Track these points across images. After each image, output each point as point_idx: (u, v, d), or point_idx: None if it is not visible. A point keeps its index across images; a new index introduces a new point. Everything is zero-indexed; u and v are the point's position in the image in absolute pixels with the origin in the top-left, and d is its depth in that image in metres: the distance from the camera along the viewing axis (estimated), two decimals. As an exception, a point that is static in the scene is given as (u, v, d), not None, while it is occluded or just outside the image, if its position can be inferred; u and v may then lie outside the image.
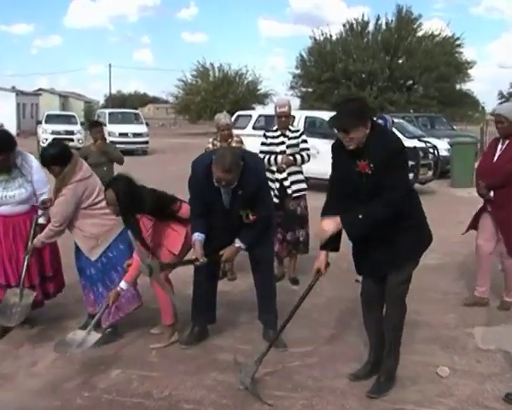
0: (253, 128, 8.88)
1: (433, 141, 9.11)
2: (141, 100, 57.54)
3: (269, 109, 11.86)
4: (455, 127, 14.16)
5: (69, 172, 2.71)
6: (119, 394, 2.36)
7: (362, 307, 2.49)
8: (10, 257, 2.87)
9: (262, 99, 28.87)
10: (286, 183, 3.78)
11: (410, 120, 11.64)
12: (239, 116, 9.68)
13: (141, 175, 2.83)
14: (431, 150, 8.58)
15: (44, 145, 4.78)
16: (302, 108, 20.73)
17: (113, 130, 14.86)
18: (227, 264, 3.91)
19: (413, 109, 19.50)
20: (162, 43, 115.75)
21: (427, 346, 2.83)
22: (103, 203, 2.77)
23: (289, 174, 3.80)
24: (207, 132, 19.20)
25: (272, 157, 3.79)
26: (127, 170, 2.96)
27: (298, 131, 3.96)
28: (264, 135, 3.92)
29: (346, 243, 2.43)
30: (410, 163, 6.93)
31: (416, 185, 7.17)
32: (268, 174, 3.84)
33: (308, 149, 3.90)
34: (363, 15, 25.29)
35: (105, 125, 5.29)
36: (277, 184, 3.80)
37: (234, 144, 3.90)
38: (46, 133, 15.08)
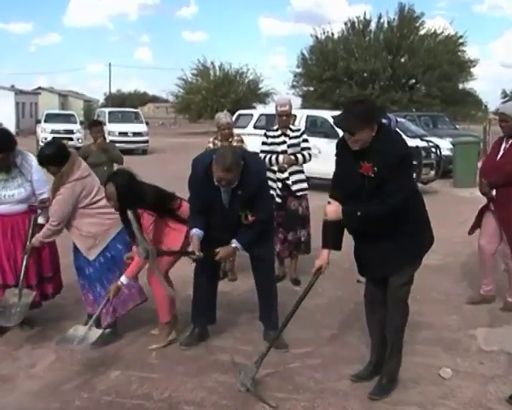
0: (254, 127, 8.85)
1: (436, 140, 9.06)
2: (141, 99, 57.50)
3: (270, 108, 11.84)
4: (457, 126, 14.08)
5: (67, 172, 2.70)
6: (119, 395, 2.34)
7: (365, 307, 2.48)
8: (8, 256, 2.86)
9: (263, 98, 28.83)
10: (288, 182, 3.76)
11: (413, 120, 11.59)
12: (240, 115, 9.66)
13: (141, 174, 2.81)
14: (433, 150, 8.55)
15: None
16: (303, 107, 20.68)
17: (112, 129, 14.84)
18: (227, 264, 3.90)
19: (415, 108, 19.47)
20: (162, 41, 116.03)
21: (430, 347, 2.81)
22: (101, 203, 2.76)
23: (291, 174, 3.78)
24: (208, 132, 19.20)
25: (273, 157, 3.77)
26: (127, 169, 2.95)
27: (299, 130, 3.94)
28: (265, 134, 3.90)
29: (347, 243, 2.41)
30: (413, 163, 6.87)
31: (419, 185, 7.14)
32: (269, 174, 3.83)
33: (309, 149, 3.88)
34: (364, 14, 25.22)
35: (105, 125, 5.27)
36: (279, 184, 3.78)
37: (235, 144, 3.88)
38: (45, 132, 15.08)
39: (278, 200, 3.77)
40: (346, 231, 2.30)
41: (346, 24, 24.86)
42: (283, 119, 3.78)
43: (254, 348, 2.70)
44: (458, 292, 3.70)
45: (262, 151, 3.86)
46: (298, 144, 3.81)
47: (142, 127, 15.89)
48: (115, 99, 43.69)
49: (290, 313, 2.43)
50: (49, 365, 2.62)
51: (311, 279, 2.40)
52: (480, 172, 3.51)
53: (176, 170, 7.82)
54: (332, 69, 23.24)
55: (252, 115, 9.62)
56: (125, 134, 15.04)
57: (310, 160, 3.86)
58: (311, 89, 24.90)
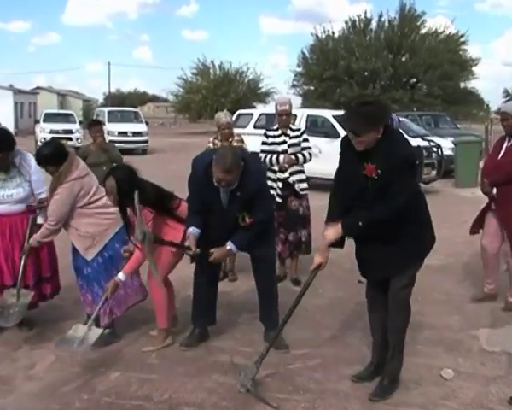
0: (255, 127, 8.83)
1: (437, 140, 9.02)
2: (140, 98, 57.42)
3: (270, 108, 11.81)
4: (459, 126, 14.06)
5: (65, 171, 2.69)
6: (119, 396, 2.33)
7: (367, 307, 2.47)
8: (6, 257, 2.85)
9: (263, 98, 28.79)
10: (289, 181, 3.75)
11: (414, 119, 11.57)
12: (240, 115, 9.64)
13: (140, 174, 2.79)
14: (435, 149, 8.51)
15: (42, 145, 4.74)
16: (304, 106, 20.66)
17: (112, 129, 14.77)
18: (228, 264, 3.89)
19: (416, 108, 19.41)
20: (162, 40, 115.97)
21: (431, 348, 2.80)
22: (100, 202, 2.75)
23: (291, 174, 3.77)
24: (208, 131, 19.16)
25: (274, 157, 3.76)
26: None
27: (299, 129, 3.92)
28: (265, 134, 3.89)
29: (348, 243, 2.39)
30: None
31: (420, 185, 7.11)
32: (270, 174, 3.82)
33: (310, 148, 3.86)
34: (365, 12, 25.17)
35: (104, 124, 5.24)
36: (279, 184, 3.77)
37: (235, 143, 3.86)
38: (44, 132, 15.04)
39: (278, 200, 3.76)
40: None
41: (346, 23, 24.85)
42: (283, 118, 3.76)
43: (255, 348, 2.68)
44: (460, 292, 3.69)
45: (262, 151, 3.85)
46: (298, 144, 3.79)
47: (141, 127, 15.83)
48: (115, 99, 43.57)
49: (289, 312, 2.42)
50: (49, 366, 2.61)
51: (309, 277, 2.38)
52: (482, 172, 3.52)
53: (176, 170, 7.80)
54: (333, 68, 23.20)
55: (252, 115, 9.60)
56: (124, 134, 14.99)
57: (310, 159, 3.84)
58: (312, 88, 24.87)
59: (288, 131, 3.80)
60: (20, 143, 3.18)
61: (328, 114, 8.81)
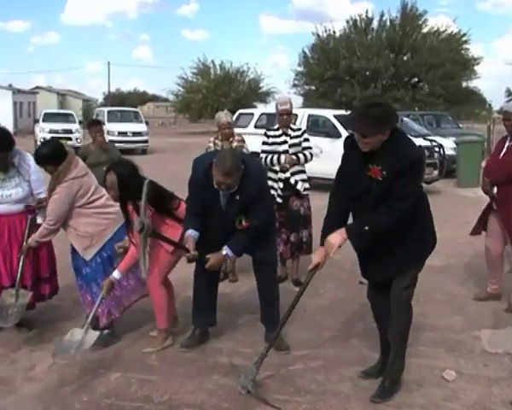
0: (255, 127, 8.83)
1: (439, 140, 9.00)
2: (140, 98, 57.37)
3: (271, 108, 11.80)
4: (461, 126, 14.01)
5: (63, 171, 2.68)
6: (119, 398, 2.32)
7: (371, 307, 2.46)
8: (5, 257, 2.84)
9: (264, 97, 28.77)
10: (291, 181, 3.74)
11: (416, 119, 11.52)
12: (240, 115, 9.63)
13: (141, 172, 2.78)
14: (436, 149, 8.48)
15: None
16: (305, 106, 20.65)
17: (112, 129, 14.71)
18: (228, 265, 3.87)
19: (418, 107, 19.37)
20: (162, 40, 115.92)
21: (433, 349, 2.78)
22: (98, 202, 2.74)
23: (292, 174, 3.76)
24: (208, 131, 19.14)
25: (275, 157, 3.74)
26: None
27: (300, 129, 3.91)
28: (266, 134, 3.87)
29: (348, 244, 2.38)
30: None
31: (422, 185, 7.08)
32: (270, 174, 3.81)
33: (310, 148, 3.85)
34: (366, 12, 25.13)
35: (104, 124, 5.22)
36: (280, 184, 3.76)
37: (235, 143, 3.85)
38: (44, 132, 14.98)
39: (279, 200, 3.74)
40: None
41: (347, 22, 24.76)
42: (284, 117, 3.75)
43: (255, 350, 2.67)
44: (462, 293, 3.67)
45: (263, 151, 3.83)
46: (299, 144, 3.78)
47: (141, 127, 15.79)
48: (114, 98, 43.49)
49: (288, 312, 2.41)
50: (48, 367, 2.59)
51: (307, 277, 2.37)
52: (484, 171, 3.53)
53: (176, 170, 7.80)
54: (334, 68, 23.15)
55: (252, 115, 9.59)
56: (124, 134, 14.94)
57: (311, 159, 3.83)
58: (313, 88, 24.82)
59: (289, 131, 3.78)
60: (19, 142, 3.17)
61: (329, 113, 8.79)
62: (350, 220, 2.28)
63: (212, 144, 3.91)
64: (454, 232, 4.92)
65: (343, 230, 2.16)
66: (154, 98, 58.28)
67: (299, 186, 3.74)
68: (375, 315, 2.45)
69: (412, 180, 2.10)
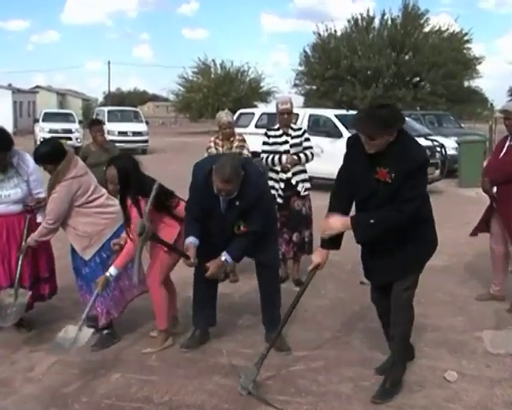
0: (256, 126, 8.80)
1: (441, 139, 8.96)
2: (140, 98, 57.26)
3: (272, 107, 11.79)
4: (463, 125, 13.96)
5: (63, 169, 2.67)
6: (119, 398, 2.31)
7: (376, 309, 2.46)
8: (3, 258, 2.83)
9: (265, 97, 28.72)
10: (292, 181, 3.73)
11: (417, 118, 11.48)
12: (241, 114, 9.60)
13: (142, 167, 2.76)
14: (438, 149, 8.44)
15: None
16: (306, 105, 20.60)
17: (112, 128, 14.57)
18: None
19: (420, 107, 19.31)
20: (162, 39, 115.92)
21: (435, 350, 2.77)
22: (98, 202, 2.73)
23: (294, 174, 3.75)
24: (209, 131, 19.13)
25: (276, 157, 3.73)
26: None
27: (300, 129, 3.90)
28: (266, 134, 3.86)
29: (350, 245, 2.37)
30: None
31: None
32: (271, 174, 3.80)
33: (311, 148, 3.84)
34: (368, 11, 25.01)
35: (104, 124, 5.21)
36: (281, 184, 3.74)
37: (236, 143, 3.84)
38: (43, 132, 14.89)
39: (280, 200, 3.73)
40: (346, 232, 2.25)
41: (349, 21, 24.69)
42: (285, 117, 3.74)
43: (256, 350, 2.66)
44: (464, 293, 3.66)
45: (263, 151, 3.82)
46: (300, 144, 3.77)
47: (141, 126, 15.73)
48: (114, 98, 43.42)
49: (288, 313, 2.40)
50: (48, 368, 2.58)
51: (308, 277, 2.36)
52: (484, 171, 3.51)
53: (176, 170, 7.79)
54: (335, 67, 23.11)
55: (253, 114, 9.57)
56: (124, 134, 14.87)
57: (312, 159, 3.82)
58: (314, 87, 24.78)
59: (290, 131, 3.77)
60: (19, 142, 3.17)
61: (330, 113, 8.77)
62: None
63: (212, 144, 3.89)
64: (456, 232, 4.90)
65: (347, 218, 2.15)
66: (155, 98, 58.25)
67: (300, 188, 3.73)
68: (381, 315, 2.44)
69: (419, 182, 2.09)
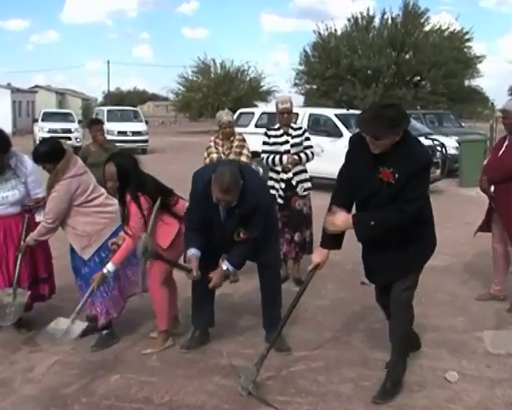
0: (256, 126, 8.78)
1: (441, 139, 8.92)
2: (140, 97, 57.12)
3: (272, 107, 11.76)
4: (463, 124, 13.94)
5: (62, 169, 2.66)
6: (119, 399, 2.31)
7: (382, 309, 2.47)
8: (0, 259, 2.83)
9: (265, 96, 28.68)
10: (293, 182, 3.72)
11: (418, 118, 11.45)
12: (241, 114, 9.57)
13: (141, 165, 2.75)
14: (439, 148, 8.41)
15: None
16: (306, 105, 20.59)
17: (111, 128, 14.49)
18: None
19: (420, 106, 19.29)
20: (162, 38, 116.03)
21: (435, 350, 2.76)
22: (97, 201, 2.73)
23: (295, 174, 3.74)
24: (209, 130, 19.14)
25: (277, 157, 3.72)
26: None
27: (301, 128, 3.89)
28: (266, 134, 3.85)
29: (351, 245, 2.36)
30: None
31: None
32: (272, 174, 3.79)
33: (312, 147, 3.83)
34: (368, 10, 25.09)
35: (103, 123, 5.19)
36: (282, 184, 3.74)
37: (236, 143, 3.83)
38: (43, 132, 14.84)
39: (280, 200, 3.73)
40: (347, 231, 2.25)
41: (349, 20, 24.67)
42: (285, 116, 3.73)
43: (256, 351, 2.65)
44: (464, 293, 3.65)
45: (264, 151, 3.81)
46: (300, 143, 3.76)
47: (141, 126, 15.67)
48: (114, 97, 43.29)
49: (288, 312, 2.39)
50: (48, 368, 2.58)
51: (307, 276, 2.35)
52: (483, 170, 3.51)
53: (176, 170, 7.76)
54: (335, 67, 23.09)
55: (253, 114, 9.53)
56: (124, 133, 14.80)
57: (312, 158, 3.82)
58: (314, 87, 24.76)
59: (290, 131, 3.76)
60: (18, 142, 3.16)
61: (330, 112, 8.75)
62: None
63: (212, 143, 3.88)
64: (456, 232, 4.89)
65: (349, 216, 2.15)
66: (154, 97, 58.19)
67: (299, 189, 3.72)
68: (387, 315, 2.43)
69: (422, 182, 2.09)
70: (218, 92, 26.55)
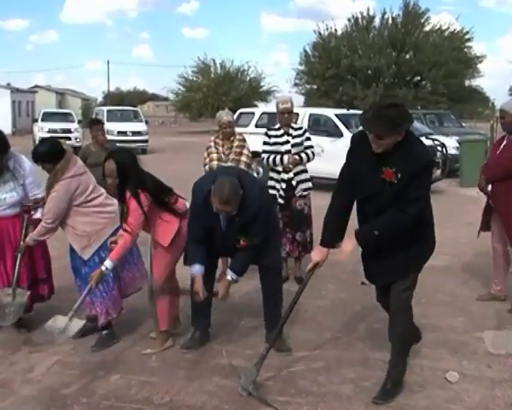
0: (256, 126, 8.78)
1: (442, 139, 8.92)
2: (140, 97, 57.07)
3: (272, 107, 11.76)
4: (464, 124, 13.93)
5: (61, 168, 2.66)
6: (119, 400, 2.30)
7: (384, 309, 2.46)
8: None
9: (265, 96, 28.68)
10: (293, 182, 3.72)
11: (418, 118, 11.44)
12: (241, 114, 9.57)
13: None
14: (439, 148, 8.41)
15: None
16: (306, 105, 20.58)
17: (111, 128, 14.42)
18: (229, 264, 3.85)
19: (421, 106, 19.28)
20: (162, 38, 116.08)
21: (436, 350, 2.76)
22: (96, 201, 2.73)
23: (295, 174, 3.74)
24: (209, 130, 19.13)
25: (278, 157, 3.72)
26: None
27: (301, 128, 3.89)
28: (267, 134, 3.84)
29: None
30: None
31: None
32: (272, 174, 3.79)
33: (312, 147, 3.83)
34: (368, 10, 25.17)
35: (103, 123, 5.19)
36: (283, 184, 3.74)
37: (236, 143, 3.82)
38: (42, 132, 14.82)
39: (281, 201, 3.72)
40: (346, 232, 2.25)
41: (349, 20, 24.69)
42: (285, 116, 3.73)
43: (256, 351, 2.65)
44: (464, 293, 3.64)
45: (264, 151, 3.81)
46: (301, 143, 3.76)
47: (141, 126, 15.67)
48: (114, 97, 43.24)
49: (288, 312, 2.39)
50: (47, 369, 2.58)
51: (306, 276, 2.35)
52: (482, 169, 3.52)
53: (176, 170, 7.79)
54: (335, 66, 23.09)
55: (253, 114, 9.53)
56: (123, 133, 14.78)
57: (313, 158, 3.82)
58: (314, 87, 24.77)
59: (291, 131, 3.76)
60: (17, 142, 3.16)
61: (330, 112, 8.75)
62: (350, 220, 2.26)
63: (212, 143, 3.88)
64: (456, 232, 4.89)
65: (352, 237, 2.15)
66: (154, 97, 58.17)
67: (298, 191, 3.72)
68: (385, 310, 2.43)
69: (425, 182, 2.09)
70: (218, 92, 26.54)
